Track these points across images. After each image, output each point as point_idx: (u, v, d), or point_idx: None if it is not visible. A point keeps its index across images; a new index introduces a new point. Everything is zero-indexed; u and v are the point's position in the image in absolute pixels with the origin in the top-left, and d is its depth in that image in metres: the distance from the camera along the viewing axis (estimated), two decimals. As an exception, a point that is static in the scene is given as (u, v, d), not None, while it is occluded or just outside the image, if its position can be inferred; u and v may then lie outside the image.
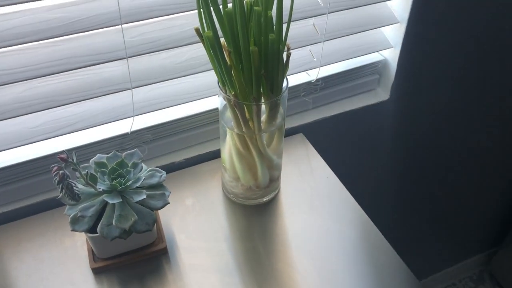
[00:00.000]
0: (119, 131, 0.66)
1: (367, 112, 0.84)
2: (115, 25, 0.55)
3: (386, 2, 0.73)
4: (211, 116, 0.72)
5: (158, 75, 0.63)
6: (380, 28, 0.77)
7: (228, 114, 0.60)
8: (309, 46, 0.72)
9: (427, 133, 0.98)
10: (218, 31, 0.51)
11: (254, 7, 0.48)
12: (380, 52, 0.81)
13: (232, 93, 0.54)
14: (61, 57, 0.56)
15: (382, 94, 0.84)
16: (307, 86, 0.77)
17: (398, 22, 0.75)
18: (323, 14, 0.68)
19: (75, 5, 0.54)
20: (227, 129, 0.61)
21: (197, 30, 0.53)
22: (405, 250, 1.31)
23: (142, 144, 0.69)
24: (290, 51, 0.54)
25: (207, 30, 0.51)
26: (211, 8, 0.49)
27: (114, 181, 0.55)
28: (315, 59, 0.74)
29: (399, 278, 0.59)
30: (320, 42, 0.71)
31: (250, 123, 0.58)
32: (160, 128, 0.69)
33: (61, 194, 0.48)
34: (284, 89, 0.56)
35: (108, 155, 0.59)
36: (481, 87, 0.96)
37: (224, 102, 0.58)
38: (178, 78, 0.65)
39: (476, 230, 1.47)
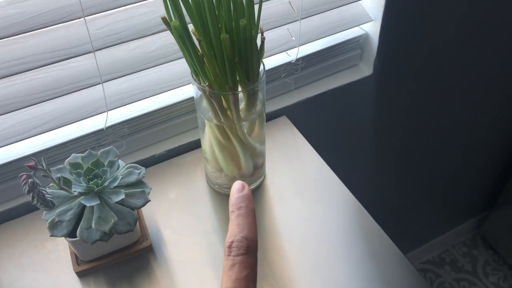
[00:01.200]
0: (94, 128, 0.64)
1: (351, 89, 0.81)
2: (77, 18, 0.52)
3: (364, -26, 0.70)
4: (190, 105, 0.69)
5: (128, 67, 0.60)
6: (359, 1, 0.74)
7: (205, 104, 0.58)
8: (286, 25, 0.69)
9: (411, 104, 0.96)
10: (186, 18, 0.48)
11: (222, -9, 0.46)
12: (361, 26, 0.79)
13: (207, 84, 0.51)
14: (23, 55, 0.53)
15: (365, 70, 0.82)
16: (288, 67, 0.75)
17: (377, -6, 0.73)
18: (298, -9, 0.65)
19: (33, -1, 0.51)
20: (205, 120, 0.58)
21: (164, 19, 0.50)
22: (397, 220, 1.31)
23: (119, 139, 0.67)
24: (264, 35, 0.51)
25: (174, 19, 0.48)
26: (177, -5, 0.46)
27: (91, 182, 0.53)
28: (293, 38, 0.71)
29: (391, 260, 0.58)
30: (298, 20, 0.68)
31: (229, 113, 0.55)
32: (137, 121, 0.66)
33: (34, 203, 0.45)
34: (261, 75, 0.54)
35: (83, 154, 0.56)
36: (465, 58, 0.94)
37: (200, 92, 0.56)
38: (151, 68, 0.62)
39: (467, 195, 1.47)
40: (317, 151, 0.70)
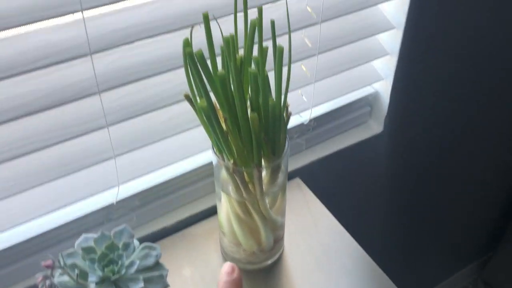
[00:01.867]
0: (103, 202, 0.60)
1: (362, 147, 0.80)
2: (92, 94, 0.49)
3: (375, 35, 0.69)
4: (203, 171, 0.66)
5: (142, 139, 0.57)
6: (370, 62, 0.73)
7: (223, 176, 0.55)
8: (300, 88, 0.68)
9: (421, 162, 0.95)
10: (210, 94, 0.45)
11: (249, 70, 0.43)
12: (369, 85, 0.78)
13: (231, 161, 0.48)
14: (34, 134, 0.50)
15: (375, 127, 0.81)
16: (300, 128, 0.73)
17: (388, 54, 0.72)
18: (312, 56, 0.64)
19: (47, 75, 0.48)
20: (223, 193, 0.55)
21: (187, 96, 0.47)
22: (403, 270, 1.28)
23: (129, 212, 0.63)
24: (290, 111, 0.49)
25: (199, 97, 0.46)
26: (202, 73, 0.43)
27: (106, 269, 0.49)
28: (305, 100, 0.69)
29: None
30: (311, 83, 0.67)
31: (250, 186, 0.52)
32: (148, 192, 0.63)
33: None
34: (286, 149, 0.51)
35: (95, 236, 0.52)
36: (476, 117, 0.94)
37: (218, 164, 0.53)
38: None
39: (468, 240, 1.45)
40: (332, 212, 0.68)
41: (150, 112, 0.55)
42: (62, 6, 0.43)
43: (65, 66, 0.49)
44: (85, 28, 0.46)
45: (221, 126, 0.46)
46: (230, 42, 0.42)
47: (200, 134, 0.63)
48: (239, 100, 0.44)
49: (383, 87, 0.76)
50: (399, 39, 0.69)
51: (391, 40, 0.71)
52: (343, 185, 0.84)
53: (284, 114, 0.49)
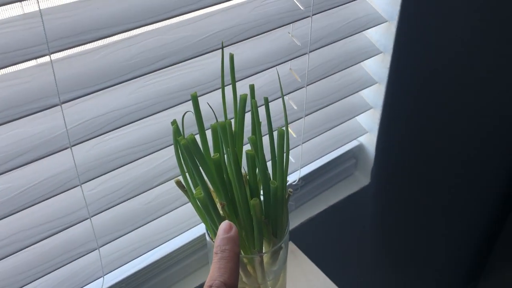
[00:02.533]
0: (87, 294, 0.55)
1: (351, 200, 0.78)
2: (73, 187, 0.45)
3: (359, 92, 0.68)
4: (192, 246, 0.62)
5: (126, 224, 0.53)
6: (355, 117, 0.72)
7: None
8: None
9: (407, 207, 0.94)
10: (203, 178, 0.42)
11: (247, 151, 0.41)
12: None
13: (231, 248, 0.45)
14: (9, 233, 0.45)
15: (362, 179, 0.79)
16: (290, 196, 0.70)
17: (371, 108, 0.71)
18: (299, 118, 0.62)
19: (24, 168, 0.44)
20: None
21: (178, 183, 0.44)
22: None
23: (116, 300, 0.58)
24: (291, 189, 0.46)
25: (192, 183, 0.43)
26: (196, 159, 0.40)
27: None
28: (293, 161, 0.67)
29: None
30: (299, 145, 0.65)
31: (250, 269, 0.49)
32: (135, 276, 0.58)
33: None
34: (287, 228, 0.48)
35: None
36: (463, 161, 0.95)
37: (212, 246, 0.49)
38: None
39: (451, 274, 1.44)
40: (326, 271, 0.65)
41: (133, 197, 0.51)
42: (40, 100, 0.39)
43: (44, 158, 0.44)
44: (64, 118, 0.42)
45: (218, 212, 0.43)
46: (227, 128, 0.39)
47: (188, 209, 0.59)
48: (238, 186, 0.41)
49: (368, 140, 0.75)
50: (382, 93, 0.68)
51: (374, 94, 0.70)
52: (335, 241, 0.82)
53: (285, 195, 0.46)
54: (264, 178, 0.42)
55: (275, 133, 0.42)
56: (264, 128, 0.43)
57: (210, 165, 0.42)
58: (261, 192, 0.44)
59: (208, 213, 0.42)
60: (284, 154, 0.42)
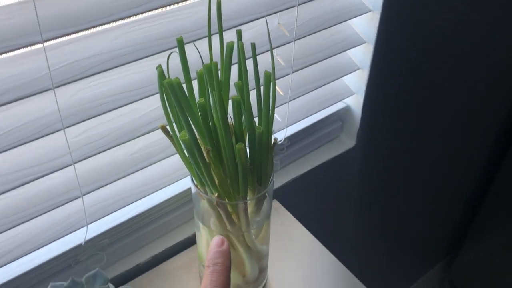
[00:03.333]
0: (71, 244, 0.55)
1: (336, 162, 0.78)
2: (56, 131, 0.45)
3: (346, 51, 0.68)
4: (177, 201, 0.62)
5: (110, 174, 0.52)
6: (342, 78, 0.72)
7: (203, 208, 0.51)
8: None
9: (392, 172, 0.95)
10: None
11: (233, 97, 0.40)
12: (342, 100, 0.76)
13: (215, 194, 0.45)
14: (-10, 177, 0.44)
15: (347, 142, 0.79)
16: (275, 148, 0.70)
17: (359, 69, 0.71)
18: (286, 75, 0.61)
19: (5, 110, 0.43)
20: (203, 226, 0.52)
21: (163, 128, 0.44)
22: (375, 278, 1.28)
23: (99, 252, 0.58)
24: (276, 137, 0.46)
25: (177, 129, 0.42)
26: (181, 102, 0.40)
27: (81, 323, 0.44)
28: (280, 120, 0.67)
29: None
30: (286, 102, 0.64)
31: (234, 218, 0.49)
32: (119, 228, 0.58)
33: None
34: (272, 176, 0.48)
35: (65, 284, 0.48)
36: (445, 127, 0.95)
37: (197, 196, 0.49)
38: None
39: (432, 240, 1.47)
40: (310, 229, 0.66)
41: (118, 145, 0.50)
42: (21, 37, 0.38)
43: (26, 101, 0.44)
44: (47, 59, 0.41)
45: (204, 158, 0.43)
46: (212, 70, 0.39)
47: (172, 162, 0.59)
48: (223, 130, 0.41)
49: (355, 101, 0.75)
50: (370, 53, 0.68)
51: (362, 55, 0.69)
52: (319, 202, 0.83)
53: (271, 142, 0.46)
54: (250, 124, 0.42)
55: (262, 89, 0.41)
56: (252, 81, 0.42)
57: (195, 109, 0.41)
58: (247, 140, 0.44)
59: (193, 157, 0.42)
60: (270, 100, 0.42)
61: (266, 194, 0.50)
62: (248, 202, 0.49)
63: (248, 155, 0.44)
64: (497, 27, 0.88)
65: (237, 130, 0.43)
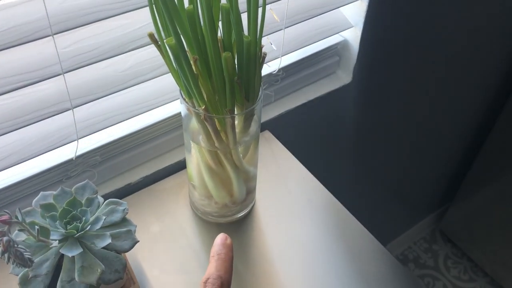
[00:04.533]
0: (61, 158, 0.56)
1: (331, 97, 0.78)
2: (45, 36, 0.44)
3: (346, -21, 0.66)
4: (169, 124, 0.63)
5: (101, 88, 0.52)
6: (339, 8, 0.70)
7: (193, 126, 0.52)
8: (268, 35, 0.64)
9: (388, 112, 0.95)
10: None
11: (221, 5, 0.40)
12: (339, 33, 0.75)
13: (203, 107, 0.45)
14: (-22, 81, 0.44)
15: (343, 77, 0.79)
16: (269, 79, 0.70)
17: (358, 0, 0.69)
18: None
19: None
20: (193, 144, 0.52)
21: (151, 35, 0.43)
22: (363, 223, 1.31)
23: (90, 168, 0.59)
24: (265, 51, 0.46)
25: (165, 35, 0.42)
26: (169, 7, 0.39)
27: (69, 227, 0.45)
28: (275, 48, 0.66)
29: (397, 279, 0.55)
30: (281, 29, 0.63)
31: (222, 135, 0.49)
32: (110, 146, 0.59)
33: (9, 264, 0.38)
34: (260, 95, 0.48)
35: (55, 192, 0.49)
36: (444, 67, 0.94)
37: (187, 112, 0.50)
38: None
39: (425, 191, 1.49)
40: (302, 163, 0.66)
41: (108, 58, 0.50)
42: None
43: (12, 4, 0.43)
44: (33, -42, 0.40)
45: (191, 67, 0.42)
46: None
47: (165, 83, 0.59)
48: (211, 39, 0.40)
49: (353, 35, 0.74)
50: (370, -17, 0.66)
51: (362, -16, 0.68)
52: (312, 136, 0.83)
53: (259, 54, 0.46)
54: (238, 35, 0.42)
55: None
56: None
57: (183, 16, 0.41)
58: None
59: (180, 66, 0.42)
60: (260, 9, 0.41)
61: (255, 114, 0.50)
62: (236, 119, 0.49)
63: (237, 70, 0.44)
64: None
65: (226, 41, 0.43)
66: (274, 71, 0.69)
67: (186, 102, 0.47)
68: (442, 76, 0.98)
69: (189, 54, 0.43)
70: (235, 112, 0.47)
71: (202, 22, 0.41)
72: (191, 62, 0.42)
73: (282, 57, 0.68)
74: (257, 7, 0.41)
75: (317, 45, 0.73)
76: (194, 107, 0.46)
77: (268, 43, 0.66)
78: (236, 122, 0.49)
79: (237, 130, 0.50)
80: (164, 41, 0.41)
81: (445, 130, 1.21)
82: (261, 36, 0.43)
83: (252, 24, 0.41)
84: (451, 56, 0.95)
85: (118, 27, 0.51)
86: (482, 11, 0.91)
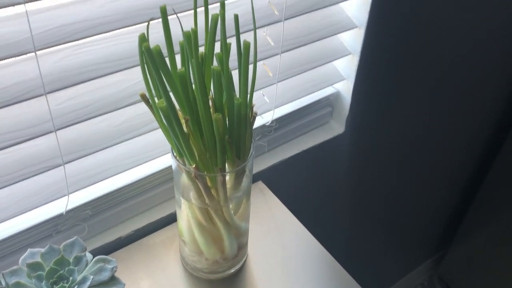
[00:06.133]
0: (51, 213, 0.55)
1: (324, 147, 0.78)
2: (38, 96, 0.45)
3: (337, 35, 0.68)
4: (160, 177, 0.63)
5: (93, 144, 0.53)
6: (332, 62, 0.71)
7: (184, 182, 0.51)
8: (262, 89, 0.65)
9: (381, 161, 0.95)
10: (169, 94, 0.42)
11: (212, 67, 0.40)
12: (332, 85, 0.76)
13: (193, 166, 0.45)
14: (-30, 139, 0.44)
15: (337, 128, 0.79)
16: (262, 130, 0.70)
17: (350, 54, 0.71)
18: (275, 55, 0.61)
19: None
20: (183, 200, 0.52)
21: (143, 96, 0.44)
22: (361, 270, 1.28)
23: (81, 222, 0.58)
24: (256, 111, 0.46)
25: (157, 96, 0.43)
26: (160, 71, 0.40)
27: (56, 287, 0.45)
28: (268, 101, 0.67)
29: None
30: (274, 83, 0.64)
31: (213, 192, 0.49)
32: (101, 200, 0.59)
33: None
34: (251, 152, 0.48)
35: (43, 250, 0.48)
36: (436, 117, 0.95)
37: (178, 169, 0.50)
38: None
39: (423, 238, 1.48)
40: (295, 214, 0.66)
41: (101, 115, 0.50)
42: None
43: (6, 64, 0.44)
44: (29, 23, 0.41)
45: (182, 128, 0.43)
46: (191, 37, 0.39)
47: (157, 137, 0.59)
48: (202, 100, 0.41)
49: (345, 87, 0.75)
50: (361, 38, 0.68)
51: (353, 40, 0.69)
52: (306, 187, 0.83)
53: (250, 115, 0.46)
54: (229, 97, 0.42)
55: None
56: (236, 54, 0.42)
57: (175, 78, 0.41)
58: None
59: (171, 127, 0.42)
60: (251, 71, 0.42)
61: (246, 169, 0.50)
62: (227, 176, 0.49)
63: (228, 129, 0.44)
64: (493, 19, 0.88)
65: (217, 102, 0.43)
66: (267, 122, 0.69)
67: (177, 159, 0.47)
68: (432, 125, 0.99)
69: (180, 114, 0.43)
70: (226, 170, 0.47)
71: (193, 84, 0.42)
72: (182, 122, 0.42)
73: (276, 109, 0.68)
74: (248, 67, 0.41)
75: (310, 96, 0.74)
76: (184, 165, 0.46)
77: (261, 95, 0.67)
78: (227, 179, 0.49)
79: (228, 186, 0.50)
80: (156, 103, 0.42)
81: (440, 176, 1.21)
82: (251, 97, 0.43)
83: (243, 87, 0.41)
84: (442, 106, 0.96)
85: (113, 83, 0.52)
86: (476, 62, 0.92)
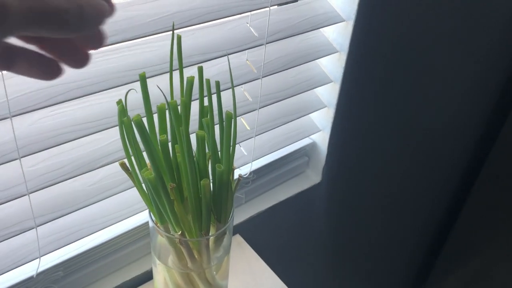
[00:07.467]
0: (21, 276, 0.53)
1: (301, 197, 0.78)
2: (11, 160, 0.43)
3: (313, 89, 0.69)
4: (136, 234, 0.61)
5: (67, 205, 0.51)
6: (308, 115, 0.72)
7: (160, 243, 0.50)
8: (240, 143, 0.65)
9: (357, 209, 0.96)
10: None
11: (198, 132, 0.40)
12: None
13: (179, 232, 0.44)
14: None
15: (313, 177, 0.80)
16: (239, 182, 0.70)
17: (325, 107, 0.72)
18: (253, 110, 0.62)
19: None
20: (159, 263, 0.50)
21: (122, 165, 0.43)
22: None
23: (52, 285, 0.56)
24: (240, 176, 0.46)
25: (137, 166, 0.42)
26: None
27: None
28: (246, 154, 0.67)
29: None
30: (252, 137, 0.65)
31: (196, 254, 0.48)
32: (74, 260, 0.56)
33: None
34: (232, 213, 0.48)
35: (12, 321, 0.45)
36: (410, 166, 0.97)
37: (154, 231, 0.48)
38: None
39: (396, 280, 1.48)
40: (272, 266, 0.65)
41: (79, 175, 0.49)
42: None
43: (-21, 128, 0.42)
44: (4, 87, 0.40)
45: (169, 196, 0.42)
46: (183, 108, 0.38)
47: (132, 195, 0.58)
48: (189, 167, 0.40)
49: (321, 138, 0.76)
50: (336, 92, 0.69)
51: (329, 94, 0.71)
52: (284, 237, 0.82)
53: (232, 179, 0.46)
54: (214, 162, 0.42)
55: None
56: (217, 116, 0.42)
57: (155, 146, 0.41)
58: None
59: (158, 195, 0.41)
60: (231, 139, 0.42)
61: (226, 231, 0.49)
62: (210, 238, 0.48)
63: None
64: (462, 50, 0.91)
65: (201, 165, 0.43)
66: (245, 174, 0.69)
67: (158, 226, 0.46)
68: (408, 171, 1.01)
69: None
70: (210, 233, 0.46)
71: (178, 150, 0.41)
72: (168, 190, 0.42)
73: (253, 162, 0.68)
74: (230, 138, 0.41)
75: (287, 147, 0.74)
76: (166, 231, 0.45)
77: (238, 147, 0.66)
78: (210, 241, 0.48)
79: (210, 248, 0.49)
80: (137, 171, 0.41)
81: (414, 217, 1.22)
82: (232, 163, 0.43)
83: (225, 155, 0.41)
84: (418, 157, 0.98)
85: (89, 142, 0.51)
86: (466, 91, 0.95)
